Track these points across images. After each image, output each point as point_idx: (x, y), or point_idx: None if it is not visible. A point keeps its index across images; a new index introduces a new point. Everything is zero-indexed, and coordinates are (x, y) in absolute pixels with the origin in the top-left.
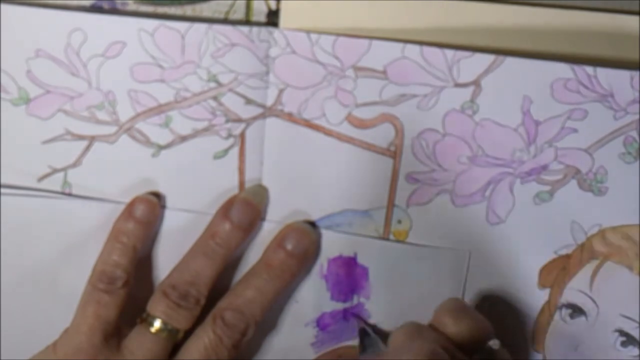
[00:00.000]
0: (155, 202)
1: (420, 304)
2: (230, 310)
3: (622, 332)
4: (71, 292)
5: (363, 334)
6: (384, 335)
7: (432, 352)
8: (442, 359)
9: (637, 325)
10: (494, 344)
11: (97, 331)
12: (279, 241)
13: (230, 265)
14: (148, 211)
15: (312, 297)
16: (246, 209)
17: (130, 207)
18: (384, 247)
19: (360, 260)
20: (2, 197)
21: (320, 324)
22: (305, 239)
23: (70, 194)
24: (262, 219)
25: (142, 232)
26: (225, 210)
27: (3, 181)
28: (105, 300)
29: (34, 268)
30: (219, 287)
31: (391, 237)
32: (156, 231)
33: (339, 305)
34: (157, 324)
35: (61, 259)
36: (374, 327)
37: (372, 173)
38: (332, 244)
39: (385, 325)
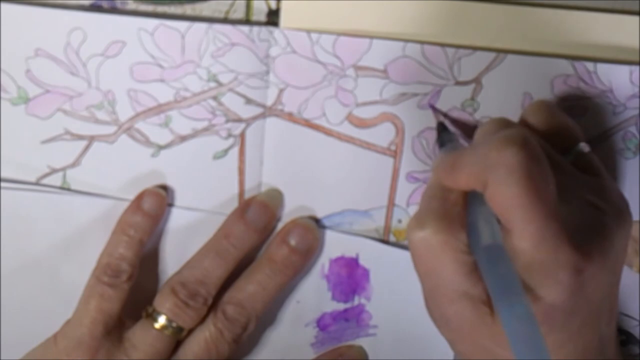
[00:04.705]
0: (164, 195)
1: (422, 308)
2: (231, 305)
3: (622, 331)
4: (71, 286)
5: (441, 128)
6: (466, 129)
7: (524, 138)
8: (534, 146)
9: (637, 323)
10: (584, 146)
11: (99, 324)
12: (282, 237)
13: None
14: (156, 204)
15: (313, 297)
16: (263, 211)
17: (138, 199)
18: (387, 249)
19: (362, 261)
20: (2, 192)
21: (321, 324)
22: (309, 235)
23: (69, 190)
24: (278, 220)
25: (149, 225)
26: (242, 211)
27: (3, 178)
28: (109, 293)
29: (33, 262)
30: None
31: (391, 236)
32: (160, 227)
33: (340, 306)
34: (162, 320)
35: (61, 253)
36: (455, 120)
37: (373, 172)
38: (334, 245)
39: (386, 327)
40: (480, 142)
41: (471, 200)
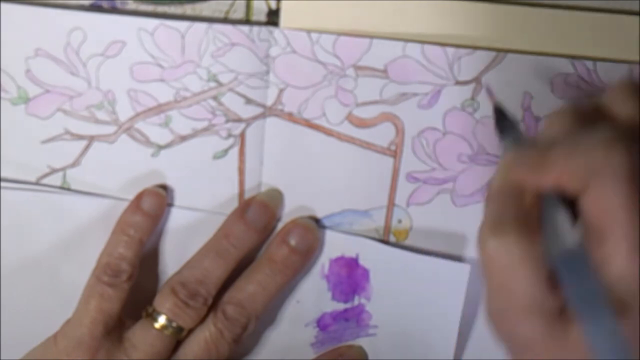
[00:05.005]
0: (164, 195)
1: (421, 309)
2: (231, 305)
3: None
4: (71, 286)
5: (499, 114)
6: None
7: (632, 138)
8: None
9: None
10: None
11: (100, 324)
12: (282, 236)
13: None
14: (156, 204)
15: (313, 297)
16: (263, 211)
17: (137, 199)
18: (387, 249)
19: (362, 261)
20: (2, 192)
21: (321, 324)
22: (309, 235)
23: (69, 190)
24: (278, 220)
25: (149, 225)
26: (242, 211)
27: (3, 178)
28: (109, 293)
29: (33, 262)
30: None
31: (391, 236)
32: (160, 227)
33: (340, 306)
34: (162, 320)
35: (61, 253)
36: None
37: (373, 172)
38: (334, 245)
39: (386, 327)
40: (579, 138)
41: (546, 203)
